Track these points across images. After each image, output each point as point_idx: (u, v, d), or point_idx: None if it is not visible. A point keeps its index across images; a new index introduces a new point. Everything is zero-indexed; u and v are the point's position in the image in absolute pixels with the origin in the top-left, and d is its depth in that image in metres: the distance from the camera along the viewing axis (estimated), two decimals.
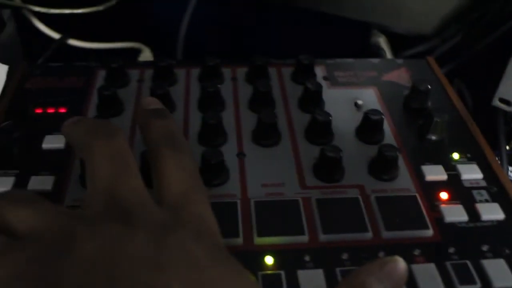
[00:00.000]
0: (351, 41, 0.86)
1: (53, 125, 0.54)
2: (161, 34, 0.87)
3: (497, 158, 0.68)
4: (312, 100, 0.58)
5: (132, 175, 0.37)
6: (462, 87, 0.75)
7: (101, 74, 0.63)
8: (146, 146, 0.40)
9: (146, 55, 0.79)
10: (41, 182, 0.49)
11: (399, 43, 0.83)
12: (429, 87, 0.59)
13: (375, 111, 0.54)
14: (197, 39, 0.87)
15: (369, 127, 0.54)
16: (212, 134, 0.53)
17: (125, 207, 0.34)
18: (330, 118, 0.53)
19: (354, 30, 0.86)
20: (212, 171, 0.49)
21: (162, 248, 0.32)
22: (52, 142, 0.53)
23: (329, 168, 0.50)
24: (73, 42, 0.81)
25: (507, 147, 0.70)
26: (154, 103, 0.45)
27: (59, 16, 0.81)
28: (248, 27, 0.90)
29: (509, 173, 0.72)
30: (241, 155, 0.52)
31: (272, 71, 0.64)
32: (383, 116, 0.54)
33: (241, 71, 0.64)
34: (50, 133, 0.54)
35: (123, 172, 0.36)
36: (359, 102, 0.59)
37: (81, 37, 0.82)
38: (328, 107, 0.59)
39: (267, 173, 0.51)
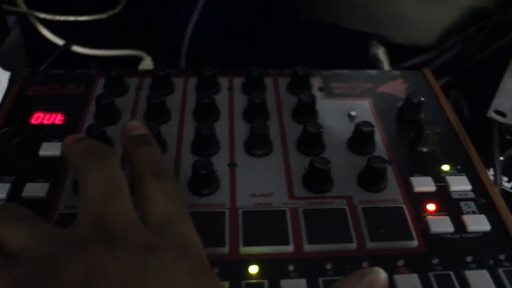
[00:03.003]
0: (350, 52, 0.87)
1: (51, 133, 0.56)
2: (166, 43, 0.89)
3: (491, 169, 0.69)
4: (305, 111, 0.59)
5: (121, 198, 0.38)
6: (459, 99, 0.75)
7: (101, 82, 0.64)
8: (131, 171, 0.41)
9: (147, 63, 0.80)
10: (36, 189, 0.50)
11: (398, 54, 0.83)
12: (422, 99, 0.59)
13: (366, 123, 0.55)
14: (200, 48, 0.89)
15: (360, 138, 0.55)
16: (204, 144, 0.54)
17: (111, 229, 0.35)
18: (321, 129, 0.54)
19: (353, 40, 0.86)
20: (202, 181, 0.50)
21: (143, 268, 0.33)
22: (49, 150, 0.54)
23: (317, 179, 0.51)
24: (76, 48, 0.83)
25: (501, 158, 0.71)
26: (138, 128, 0.46)
27: (64, 23, 0.82)
28: (250, 37, 0.91)
29: (503, 183, 0.72)
30: (232, 165, 0.53)
31: (269, 81, 0.65)
32: (374, 128, 0.55)
33: (238, 81, 0.65)
34: (48, 140, 0.55)
35: (113, 196, 0.37)
36: (353, 113, 0.60)
37: (85, 44, 0.83)
38: (321, 118, 0.59)
39: (257, 183, 0.51)
